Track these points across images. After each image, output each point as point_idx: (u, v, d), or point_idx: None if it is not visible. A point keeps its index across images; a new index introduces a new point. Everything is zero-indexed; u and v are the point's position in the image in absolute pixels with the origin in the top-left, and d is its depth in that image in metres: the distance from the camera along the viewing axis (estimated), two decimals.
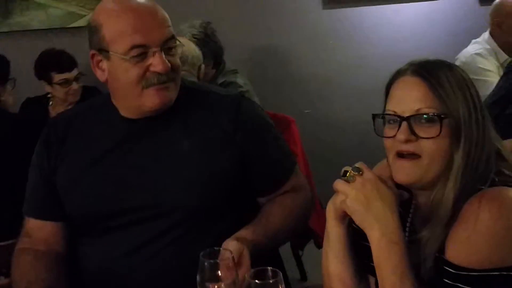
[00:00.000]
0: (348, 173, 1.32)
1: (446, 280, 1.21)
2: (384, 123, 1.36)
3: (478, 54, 3.46)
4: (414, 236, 1.34)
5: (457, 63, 3.41)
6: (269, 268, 1.25)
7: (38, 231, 1.69)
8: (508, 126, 2.54)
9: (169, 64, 1.55)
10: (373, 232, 1.27)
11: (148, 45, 1.54)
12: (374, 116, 1.38)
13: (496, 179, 1.26)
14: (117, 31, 1.55)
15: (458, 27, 4.22)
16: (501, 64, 3.51)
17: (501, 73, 3.47)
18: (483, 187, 1.25)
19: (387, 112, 1.35)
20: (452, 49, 4.01)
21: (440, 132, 1.26)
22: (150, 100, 1.57)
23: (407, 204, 1.39)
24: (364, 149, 4.28)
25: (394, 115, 1.31)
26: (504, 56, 3.51)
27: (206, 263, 1.31)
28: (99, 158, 1.64)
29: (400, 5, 4.14)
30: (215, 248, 1.36)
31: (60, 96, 3.21)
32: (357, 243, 1.41)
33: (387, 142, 1.34)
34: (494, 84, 3.27)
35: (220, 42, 3.13)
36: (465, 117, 1.27)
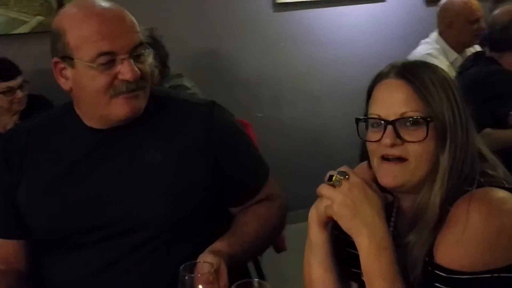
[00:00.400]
0: (334, 178, 1.27)
1: (437, 285, 1.18)
2: (367, 127, 1.32)
3: (429, 54, 3.51)
4: (399, 241, 1.30)
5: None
6: (255, 280, 1.21)
7: (4, 250, 1.58)
8: None
9: (139, 72, 1.47)
10: (361, 238, 1.24)
11: (116, 52, 1.45)
12: (358, 120, 1.33)
13: (482, 180, 1.25)
14: (82, 37, 1.45)
15: (406, 28, 4.29)
16: (451, 63, 3.58)
17: (452, 72, 3.53)
18: (469, 188, 1.23)
19: (370, 115, 1.30)
20: (400, 50, 4.05)
21: (427, 135, 1.23)
22: (119, 109, 1.48)
23: (388, 208, 1.36)
24: (316, 151, 4.32)
25: (379, 119, 1.28)
26: (453, 55, 3.58)
27: (186, 277, 1.25)
28: (64, 172, 1.54)
29: (347, 8, 4.18)
30: (196, 261, 1.30)
31: (4, 106, 3.05)
32: (339, 249, 1.38)
33: (371, 146, 1.30)
34: None
35: (165, 47, 3.08)
36: (450, 119, 1.25)
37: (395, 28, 4.31)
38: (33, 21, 3.37)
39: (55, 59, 1.51)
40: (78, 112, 1.58)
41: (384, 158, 1.28)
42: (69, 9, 1.52)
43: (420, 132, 1.24)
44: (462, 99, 1.29)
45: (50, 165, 1.55)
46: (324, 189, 1.28)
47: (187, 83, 3.05)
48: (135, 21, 1.52)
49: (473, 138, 1.29)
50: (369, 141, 1.30)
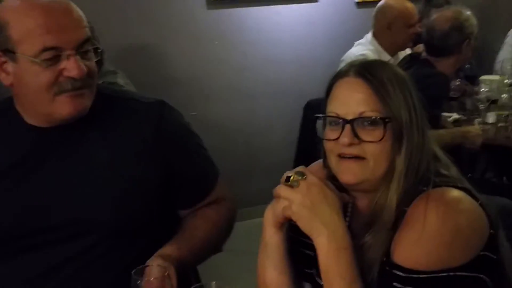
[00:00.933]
0: (291, 178, 1.26)
1: (396, 284, 1.19)
2: (325, 125, 1.31)
3: (363, 55, 3.56)
4: (355, 242, 1.30)
5: (343, 64, 3.49)
6: (213, 282, 1.20)
7: None
8: None
9: (85, 69, 1.40)
10: (321, 238, 1.23)
11: (61, 48, 1.36)
12: (316, 118, 1.33)
13: (437, 180, 1.26)
14: (26, 30, 1.36)
15: (337, 29, 4.36)
16: None
17: None
18: (425, 188, 1.24)
19: (329, 114, 1.30)
20: (332, 51, 4.14)
21: (384, 135, 1.24)
22: (63, 107, 1.40)
23: (343, 207, 1.36)
24: (249, 150, 4.32)
25: (337, 117, 1.27)
26: (386, 57, 3.65)
27: (139, 282, 1.21)
28: (3, 173, 1.45)
29: (280, 7, 4.20)
30: (147, 265, 1.26)
31: None
32: (293, 250, 1.37)
33: (329, 144, 1.30)
34: None
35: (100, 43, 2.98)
36: (407, 119, 1.25)
37: (327, 29, 4.37)
38: None
39: None
40: (18, 109, 1.49)
41: (342, 156, 1.28)
42: (12, 0, 1.42)
43: (378, 132, 1.24)
44: (419, 99, 1.30)
45: None
46: (282, 190, 1.26)
47: (120, 80, 2.96)
48: (82, 15, 1.43)
49: (428, 139, 1.30)
50: (327, 140, 1.30)
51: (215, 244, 1.63)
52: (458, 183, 1.28)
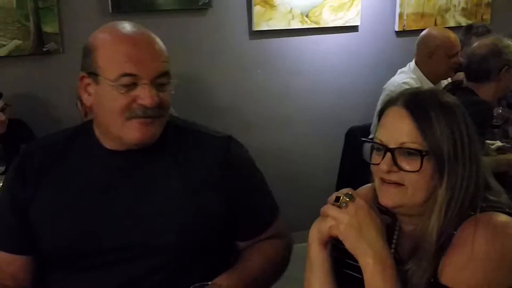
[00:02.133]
0: (340, 199, 1.33)
1: None
2: (372, 149, 1.38)
3: (406, 83, 3.60)
4: (400, 266, 1.34)
5: (386, 92, 3.53)
6: (209, 283, 1.32)
7: (5, 265, 1.58)
8: None
9: (157, 99, 1.48)
10: (366, 258, 1.28)
11: (139, 76, 1.47)
12: (364, 142, 1.44)
13: (484, 205, 1.30)
14: (110, 57, 1.48)
15: (377, 58, 4.40)
16: None
17: None
18: (472, 212, 1.29)
19: (375, 139, 1.37)
20: (372, 79, 4.19)
21: (421, 167, 1.29)
22: (131, 132, 1.49)
23: (390, 230, 1.41)
24: (290, 177, 4.35)
25: (380, 144, 1.34)
26: (429, 85, 3.67)
27: None
28: (79, 192, 1.54)
29: (320, 37, 4.26)
30: (207, 283, 1.31)
31: None
32: (337, 271, 1.41)
33: (374, 168, 1.37)
34: None
35: None
36: (450, 153, 1.29)
37: (366, 58, 4.41)
38: (10, 44, 3.33)
39: (82, 73, 1.53)
40: (96, 132, 1.58)
41: (383, 180, 1.34)
42: (104, 28, 1.55)
43: (416, 163, 1.29)
44: (469, 128, 1.33)
45: (65, 184, 1.55)
46: (330, 209, 1.33)
47: None
48: (164, 50, 1.55)
49: (478, 172, 1.33)
50: (372, 163, 1.37)
51: (269, 278, 1.67)
52: (506, 208, 1.31)
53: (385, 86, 3.67)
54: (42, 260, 1.58)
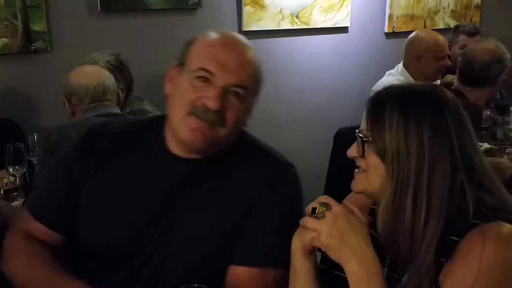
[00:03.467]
0: (316, 210, 1.32)
1: None
2: None
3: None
4: (393, 274, 1.35)
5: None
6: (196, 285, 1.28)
7: (42, 236, 1.58)
8: None
9: (221, 106, 1.45)
10: (351, 264, 1.27)
11: (215, 75, 1.46)
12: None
13: (490, 213, 1.27)
14: (200, 51, 1.51)
15: (367, 59, 4.41)
16: None
17: None
18: (478, 221, 1.26)
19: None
20: (362, 81, 4.19)
21: (363, 153, 1.34)
22: (185, 129, 1.47)
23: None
24: None
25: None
26: None
27: None
28: (133, 192, 1.54)
29: (310, 37, 4.26)
30: (193, 285, 1.29)
31: None
32: (326, 281, 1.42)
33: None
34: None
35: (130, 71, 3.09)
36: (396, 149, 1.29)
37: (356, 59, 4.42)
38: None
39: (175, 63, 1.56)
40: (165, 131, 1.56)
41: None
42: (212, 31, 1.56)
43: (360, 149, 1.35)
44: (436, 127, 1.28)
45: (123, 179, 1.55)
46: (309, 222, 1.32)
47: (148, 107, 3.07)
48: (254, 68, 1.54)
49: (452, 169, 1.28)
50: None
51: None
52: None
53: (373, 88, 3.66)
54: (72, 246, 1.59)
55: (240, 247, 1.51)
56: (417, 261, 1.28)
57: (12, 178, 2.64)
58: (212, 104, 1.44)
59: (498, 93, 3.73)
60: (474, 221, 1.26)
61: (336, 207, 1.31)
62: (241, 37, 1.57)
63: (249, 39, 4.25)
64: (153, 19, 3.68)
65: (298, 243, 1.36)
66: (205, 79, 1.46)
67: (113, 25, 3.56)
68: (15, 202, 2.52)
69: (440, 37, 3.70)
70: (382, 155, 1.30)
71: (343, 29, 4.35)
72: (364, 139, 1.33)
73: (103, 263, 1.54)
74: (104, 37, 3.51)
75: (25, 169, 2.62)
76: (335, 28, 4.30)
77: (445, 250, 1.26)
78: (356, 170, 1.38)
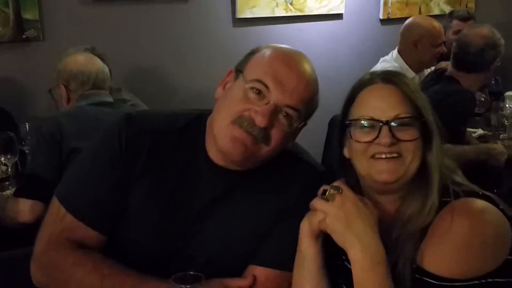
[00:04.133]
0: (327, 192, 1.32)
1: None
2: (351, 129, 1.38)
3: None
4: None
5: None
6: (191, 272, 1.26)
7: (93, 241, 1.49)
8: None
9: (268, 124, 1.40)
10: (354, 251, 1.27)
11: (270, 91, 1.41)
12: (347, 123, 1.39)
13: (457, 189, 1.32)
14: (261, 63, 1.45)
15: (362, 46, 4.39)
16: None
17: None
18: (448, 199, 1.30)
19: (362, 117, 1.36)
20: (356, 67, 4.17)
21: (419, 134, 1.32)
22: (226, 137, 1.42)
23: None
24: None
25: (372, 120, 1.34)
26: (411, 74, 3.67)
27: None
28: (172, 191, 1.49)
29: (305, 24, 4.25)
30: (188, 272, 1.28)
31: None
32: (329, 262, 1.41)
33: (361, 147, 1.35)
34: None
35: (107, 64, 3.05)
36: (433, 121, 1.34)
37: (351, 46, 4.40)
38: None
39: (233, 69, 1.52)
40: (207, 133, 1.52)
41: (377, 157, 1.33)
42: (277, 45, 1.53)
43: (412, 132, 1.33)
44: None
45: (165, 181, 1.50)
46: (317, 203, 1.32)
47: (126, 95, 3.06)
48: (312, 92, 1.48)
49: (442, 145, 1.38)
50: (360, 142, 1.35)
51: None
52: (477, 189, 1.33)
53: None
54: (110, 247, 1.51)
55: (263, 249, 1.50)
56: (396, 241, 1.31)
57: (4, 168, 2.63)
58: (260, 120, 1.39)
59: (493, 79, 3.73)
60: (444, 199, 1.30)
61: (347, 191, 1.31)
62: (307, 60, 1.51)
63: (243, 26, 4.27)
64: (145, 8, 3.66)
65: (306, 226, 1.36)
66: (259, 92, 1.41)
67: (106, 14, 3.53)
68: (7, 192, 2.50)
69: (437, 24, 3.68)
70: (430, 132, 1.33)
71: (338, 16, 4.33)
72: (423, 119, 1.32)
73: (138, 266, 1.47)
74: (97, 25, 3.49)
75: (17, 159, 2.62)
76: (330, 15, 4.29)
77: (422, 231, 1.29)
78: (385, 156, 1.32)
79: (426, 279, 1.24)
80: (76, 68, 2.64)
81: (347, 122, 1.39)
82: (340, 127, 1.43)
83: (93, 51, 2.84)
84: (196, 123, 1.56)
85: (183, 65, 3.87)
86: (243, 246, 1.49)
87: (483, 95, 3.52)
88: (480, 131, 3.46)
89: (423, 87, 3.04)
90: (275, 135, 1.43)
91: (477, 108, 3.39)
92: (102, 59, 2.86)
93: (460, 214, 1.24)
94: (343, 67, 4.32)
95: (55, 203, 1.51)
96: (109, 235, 1.50)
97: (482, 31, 3.02)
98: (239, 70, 1.48)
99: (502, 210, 1.29)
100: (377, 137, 1.32)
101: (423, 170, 1.33)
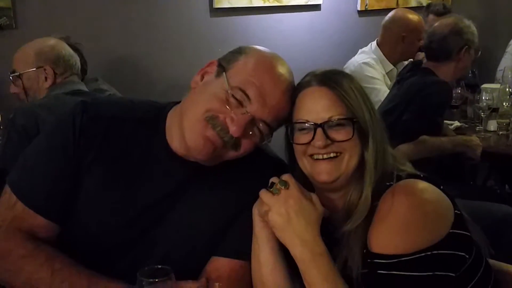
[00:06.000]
0: (274, 185, 1.34)
1: (381, 271, 1.27)
2: (292, 132, 1.42)
3: (366, 63, 3.60)
4: (336, 233, 1.40)
5: (346, 71, 3.52)
6: (159, 266, 1.24)
7: (42, 231, 1.45)
8: (404, 132, 2.67)
9: (240, 134, 1.39)
10: (294, 247, 1.33)
11: (251, 101, 1.40)
12: (287, 126, 1.45)
13: (400, 174, 1.37)
14: (247, 69, 1.42)
15: (340, 37, 4.39)
16: (387, 73, 3.68)
17: (387, 81, 3.63)
18: (391, 183, 1.35)
19: (298, 120, 1.40)
20: (334, 58, 4.17)
21: (353, 134, 1.36)
22: (197, 134, 1.41)
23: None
24: None
25: (307, 122, 1.39)
26: (389, 66, 3.68)
27: (144, 283, 1.20)
28: (130, 183, 1.47)
29: (283, 15, 4.22)
30: (156, 266, 1.25)
31: None
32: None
33: (301, 148, 1.41)
34: (382, 91, 3.42)
35: (83, 54, 3.00)
36: (369, 119, 1.38)
37: (329, 37, 4.40)
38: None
39: (216, 61, 1.48)
40: (169, 122, 1.50)
41: (315, 158, 1.39)
42: (259, 48, 1.50)
43: (347, 132, 1.37)
44: (373, 104, 1.44)
45: (120, 167, 1.47)
46: (263, 195, 1.37)
47: (103, 86, 3.02)
48: (287, 111, 1.45)
49: (386, 138, 1.43)
50: (299, 144, 1.40)
51: None
52: (419, 174, 1.40)
53: (345, 66, 3.66)
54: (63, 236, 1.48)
55: (226, 240, 1.50)
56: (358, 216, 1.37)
57: None
58: (234, 130, 1.39)
59: (470, 72, 3.75)
60: (388, 183, 1.35)
61: (293, 188, 1.35)
62: (291, 74, 1.49)
63: (220, 16, 4.22)
64: None
65: (256, 212, 1.40)
66: (239, 100, 1.40)
67: (80, 2, 3.46)
68: None
69: (420, 17, 3.76)
70: (365, 130, 1.38)
71: (316, 7, 4.32)
72: (354, 119, 1.36)
73: (92, 256, 1.45)
74: (71, 14, 3.42)
75: None
76: (308, 5, 4.27)
77: (369, 215, 1.34)
78: (323, 157, 1.37)
79: (376, 260, 1.29)
80: (65, 51, 2.59)
81: (286, 125, 1.45)
82: (286, 128, 1.46)
83: (67, 40, 2.78)
84: (156, 112, 1.54)
85: (160, 55, 3.83)
86: (204, 237, 1.49)
87: (459, 88, 3.54)
88: (456, 123, 3.48)
89: (400, 79, 3.08)
90: (245, 144, 1.44)
91: (453, 100, 3.41)
92: (77, 49, 2.82)
93: (400, 194, 1.31)
94: (321, 58, 4.31)
95: (7, 190, 1.48)
96: (61, 224, 1.46)
97: (448, 20, 3.05)
98: (222, 66, 1.45)
99: (442, 190, 1.36)
100: (312, 139, 1.37)
101: (362, 165, 1.39)
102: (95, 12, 3.52)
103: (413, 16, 3.71)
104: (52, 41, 2.65)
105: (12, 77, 2.64)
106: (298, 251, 1.32)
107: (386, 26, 3.71)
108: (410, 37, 3.65)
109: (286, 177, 1.36)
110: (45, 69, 2.56)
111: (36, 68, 2.58)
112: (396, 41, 3.66)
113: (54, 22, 3.30)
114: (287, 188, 1.34)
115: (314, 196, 1.37)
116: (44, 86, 2.57)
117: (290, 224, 1.32)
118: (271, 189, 1.34)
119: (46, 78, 2.57)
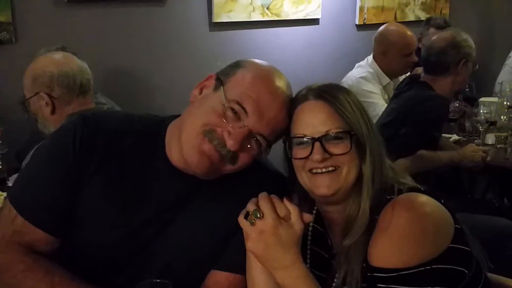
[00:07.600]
0: (249, 216, 1.35)
1: (380, 285, 1.27)
2: (292, 146, 1.42)
3: (363, 77, 3.61)
4: (335, 249, 1.42)
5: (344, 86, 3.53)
6: (158, 280, 1.25)
7: (42, 245, 1.45)
8: (402, 146, 2.68)
9: (237, 148, 1.39)
10: (274, 272, 1.35)
11: (249, 116, 1.40)
12: (284, 140, 1.45)
13: (401, 187, 1.38)
14: (245, 83, 1.42)
15: (338, 51, 4.41)
16: (384, 87, 3.70)
17: (384, 95, 3.65)
18: (392, 196, 1.36)
19: (296, 135, 1.41)
20: (332, 72, 4.19)
21: (351, 147, 1.36)
22: (194, 148, 1.41)
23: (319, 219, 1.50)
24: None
25: (305, 137, 1.39)
26: (386, 79, 3.69)
27: None
28: (130, 197, 1.47)
29: (282, 29, 4.25)
30: (155, 280, 1.27)
31: None
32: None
33: (299, 162, 1.41)
34: (379, 105, 3.43)
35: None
36: (366, 132, 1.39)
37: (327, 51, 4.42)
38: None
39: (214, 75, 1.48)
40: (168, 138, 1.51)
41: (314, 172, 1.39)
42: (257, 62, 1.51)
43: (344, 145, 1.37)
44: (370, 117, 1.44)
45: (120, 181, 1.47)
46: (241, 223, 1.38)
47: (102, 99, 2.99)
48: (284, 124, 1.44)
49: (384, 151, 1.43)
50: (297, 158, 1.40)
51: None
52: (420, 187, 1.40)
53: (343, 80, 3.68)
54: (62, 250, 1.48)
55: (225, 254, 1.50)
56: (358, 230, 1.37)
57: None
58: (231, 144, 1.39)
59: (467, 85, 3.77)
60: (388, 197, 1.36)
61: (268, 218, 1.34)
62: (288, 84, 1.49)
63: (219, 31, 4.24)
64: (120, 9, 3.62)
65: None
66: (236, 113, 1.40)
67: (80, 16, 3.49)
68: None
69: (408, 33, 3.71)
70: (363, 143, 1.38)
71: (314, 21, 4.35)
72: (352, 132, 1.37)
73: (93, 269, 1.46)
74: (71, 28, 3.44)
75: None
76: (306, 20, 4.29)
77: (369, 229, 1.34)
78: (321, 171, 1.37)
79: (376, 274, 1.29)
80: (57, 70, 2.33)
81: (284, 139, 1.45)
82: (284, 143, 1.46)
83: (64, 50, 2.69)
84: (156, 126, 1.55)
85: (159, 68, 3.84)
86: (203, 251, 1.49)
87: (457, 101, 3.55)
88: (455, 137, 3.49)
89: (398, 93, 3.10)
90: (243, 158, 1.44)
91: (451, 113, 3.42)
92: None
93: (400, 207, 1.31)
94: (319, 72, 4.33)
95: (7, 204, 1.48)
96: (61, 237, 1.47)
97: (445, 34, 3.06)
98: (220, 80, 1.45)
99: (443, 204, 1.36)
100: (311, 153, 1.37)
101: (361, 179, 1.39)
102: (94, 27, 3.55)
103: (396, 30, 3.71)
104: (44, 61, 2.41)
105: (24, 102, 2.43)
106: (278, 276, 1.34)
107: (374, 40, 3.76)
108: (391, 52, 3.67)
109: (262, 202, 1.35)
110: (41, 95, 2.34)
111: (34, 95, 2.36)
112: (380, 55, 3.69)
113: (54, 36, 3.31)
114: (261, 218, 1.33)
115: (293, 212, 1.35)
116: (46, 112, 2.35)
117: (268, 253, 1.33)
118: (247, 220, 1.35)
119: (46, 103, 2.34)
